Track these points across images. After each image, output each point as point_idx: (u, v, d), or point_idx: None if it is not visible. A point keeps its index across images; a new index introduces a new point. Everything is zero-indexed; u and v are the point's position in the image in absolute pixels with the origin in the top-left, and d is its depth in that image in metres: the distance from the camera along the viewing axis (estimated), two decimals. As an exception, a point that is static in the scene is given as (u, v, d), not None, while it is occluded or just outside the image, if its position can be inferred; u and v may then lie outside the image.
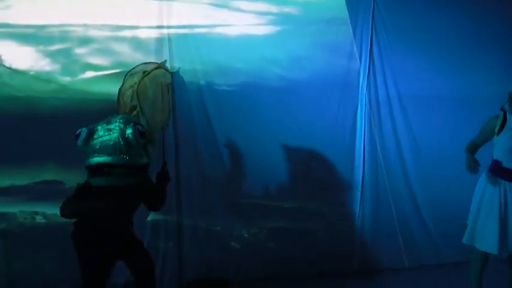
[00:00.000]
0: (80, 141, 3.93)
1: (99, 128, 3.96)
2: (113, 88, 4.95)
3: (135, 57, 5.08)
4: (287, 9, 5.49)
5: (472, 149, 4.51)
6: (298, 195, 5.50)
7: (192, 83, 5.23)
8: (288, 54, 5.39)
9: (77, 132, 3.96)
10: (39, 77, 4.94)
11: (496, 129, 4.30)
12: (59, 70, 4.99)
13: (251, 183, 5.37)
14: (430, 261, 5.71)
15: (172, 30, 5.20)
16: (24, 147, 4.88)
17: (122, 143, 3.87)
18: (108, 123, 3.99)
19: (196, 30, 5.27)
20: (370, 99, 5.58)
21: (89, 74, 5.06)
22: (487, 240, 4.29)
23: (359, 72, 5.55)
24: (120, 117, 4.07)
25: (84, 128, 3.96)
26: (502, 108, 4.36)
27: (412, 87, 5.64)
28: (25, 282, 4.97)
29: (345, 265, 5.56)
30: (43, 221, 4.98)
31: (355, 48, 5.54)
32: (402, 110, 5.64)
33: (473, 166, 4.34)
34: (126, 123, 3.96)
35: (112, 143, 3.88)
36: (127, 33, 5.14)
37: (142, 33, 5.17)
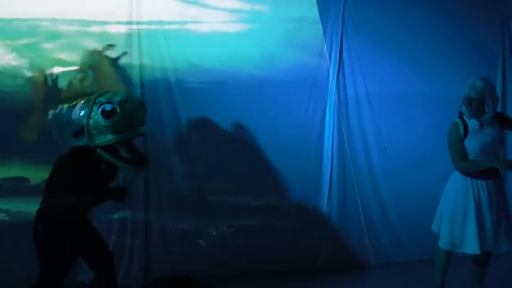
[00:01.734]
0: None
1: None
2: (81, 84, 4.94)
3: (104, 53, 5.06)
4: (258, 7, 5.50)
5: (467, 160, 4.43)
6: (266, 193, 5.52)
7: (161, 80, 5.21)
8: (259, 52, 5.39)
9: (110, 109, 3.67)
10: (6, 72, 4.88)
11: (461, 135, 4.36)
12: (26, 65, 4.93)
13: (220, 181, 5.36)
14: (396, 259, 5.76)
15: (142, 26, 5.17)
16: (-12, 143, 4.83)
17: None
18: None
19: (167, 27, 5.25)
20: (339, 97, 5.60)
21: (57, 69, 5.01)
22: (467, 241, 4.34)
23: (329, 71, 5.58)
24: None
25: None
26: (460, 114, 4.42)
27: (381, 86, 5.68)
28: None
29: (311, 263, 5.58)
30: (6, 218, 4.90)
31: (325, 47, 5.56)
32: (371, 109, 5.67)
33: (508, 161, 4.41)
34: None
35: None
36: (96, 28, 5.10)
37: (112, 29, 5.13)
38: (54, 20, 5.00)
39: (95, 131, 3.64)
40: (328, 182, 5.62)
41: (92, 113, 3.63)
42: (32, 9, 4.94)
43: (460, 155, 4.37)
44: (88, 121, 3.63)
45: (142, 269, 5.19)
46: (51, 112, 3.73)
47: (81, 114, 3.76)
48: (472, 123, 4.35)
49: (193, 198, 5.35)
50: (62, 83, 4.95)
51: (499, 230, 4.38)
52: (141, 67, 5.15)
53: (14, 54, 4.90)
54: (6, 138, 4.83)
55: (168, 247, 5.30)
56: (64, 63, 5.00)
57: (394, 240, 5.79)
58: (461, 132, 4.36)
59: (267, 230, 5.51)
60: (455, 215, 4.38)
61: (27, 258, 4.71)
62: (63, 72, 5.01)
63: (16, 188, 4.85)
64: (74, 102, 3.75)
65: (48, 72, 4.95)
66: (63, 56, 5.01)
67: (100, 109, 3.63)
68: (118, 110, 3.62)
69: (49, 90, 4.92)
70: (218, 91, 5.31)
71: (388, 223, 5.78)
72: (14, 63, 4.90)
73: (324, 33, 5.55)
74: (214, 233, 5.42)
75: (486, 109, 4.29)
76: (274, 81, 5.41)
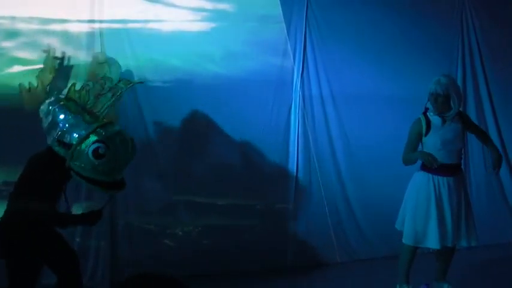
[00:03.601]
0: None
1: None
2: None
3: (65, 52, 4.96)
4: (221, 6, 5.50)
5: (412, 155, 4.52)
6: (232, 192, 5.49)
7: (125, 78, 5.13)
8: (223, 51, 5.39)
9: None
10: (-38, 71, 4.76)
11: (424, 131, 4.42)
12: (-16, 64, 4.81)
13: (185, 181, 5.33)
14: (362, 256, 5.81)
15: (104, 25, 5.09)
16: None
17: None
18: None
19: (130, 25, 5.20)
20: (304, 97, 5.64)
21: (16, 68, 4.89)
22: (428, 236, 4.40)
23: (293, 70, 5.61)
24: None
25: None
26: (425, 110, 4.48)
27: (345, 85, 5.74)
28: None
29: (278, 261, 5.58)
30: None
31: (289, 46, 5.59)
32: (335, 108, 5.73)
33: (431, 156, 4.33)
34: None
35: None
36: (56, 26, 5.01)
37: (73, 27, 5.04)
38: (12, 17, 4.89)
39: (78, 156, 3.56)
40: (294, 181, 5.63)
41: (87, 140, 3.55)
42: (-10, 7, 4.82)
43: (408, 149, 4.47)
44: (79, 144, 3.54)
45: (108, 271, 5.09)
46: (47, 102, 3.69)
47: (74, 130, 3.65)
48: (435, 119, 4.43)
49: (159, 198, 5.28)
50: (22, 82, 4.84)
51: (460, 226, 4.46)
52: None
53: (-29, 53, 4.78)
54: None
55: (134, 248, 5.22)
56: (23, 62, 4.89)
57: (360, 237, 5.85)
58: (424, 128, 4.43)
59: (233, 229, 5.50)
60: (417, 210, 4.44)
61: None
62: (22, 71, 4.90)
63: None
64: (73, 109, 3.68)
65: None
66: (22, 54, 4.90)
67: (93, 146, 3.54)
68: (110, 155, 3.53)
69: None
70: (182, 90, 5.28)
71: (354, 221, 5.83)
72: (-29, 62, 4.78)
73: (288, 33, 5.58)
74: (180, 233, 5.37)
75: (452, 105, 4.38)
76: (238, 80, 5.41)
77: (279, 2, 5.51)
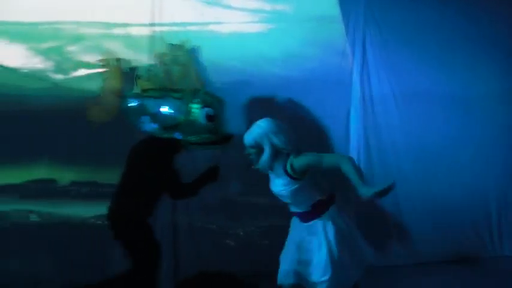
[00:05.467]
0: None
1: None
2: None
3: (128, 55, 5.07)
4: (279, 7, 5.50)
5: None
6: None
7: (185, 81, 5.22)
8: (281, 52, 5.40)
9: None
10: (32, 75, 4.92)
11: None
12: (51, 68, 4.97)
13: (246, 181, 5.32)
14: (423, 258, 5.67)
15: (164, 28, 5.18)
16: (17, 145, 4.85)
17: None
18: None
19: (189, 28, 5.26)
20: (364, 97, 5.59)
21: (82, 71, 5.04)
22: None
23: (352, 70, 5.57)
24: None
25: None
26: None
27: (406, 83, 5.66)
28: (18, 281, 4.90)
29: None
30: (37, 219, 4.93)
31: (348, 46, 5.55)
32: (397, 108, 5.65)
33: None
34: None
35: None
36: (119, 30, 5.13)
37: (134, 31, 5.15)
38: (77, 23, 5.04)
39: (190, 129, 3.71)
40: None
41: (192, 112, 3.71)
42: (56, 13, 4.98)
43: None
44: (187, 119, 3.75)
45: (171, 269, 5.17)
46: (129, 100, 3.84)
47: (172, 110, 3.81)
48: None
49: (220, 198, 5.32)
50: (88, 86, 4.99)
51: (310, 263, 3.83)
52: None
53: (40, 57, 4.94)
54: (33, 141, 4.86)
55: (196, 247, 5.30)
56: (88, 66, 5.03)
57: (423, 240, 5.71)
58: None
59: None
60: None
61: (56, 260, 4.81)
62: (87, 75, 5.04)
63: (44, 189, 4.88)
64: (158, 94, 3.83)
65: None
66: (87, 58, 5.04)
67: (203, 111, 3.82)
68: (218, 114, 3.89)
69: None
70: (240, 91, 5.29)
71: (417, 223, 5.70)
72: (40, 66, 4.94)
73: (346, 32, 5.55)
74: (242, 233, 5.40)
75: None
76: (297, 81, 5.39)
77: (337, 2, 5.49)
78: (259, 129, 3.70)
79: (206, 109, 3.86)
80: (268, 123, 3.71)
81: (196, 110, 3.79)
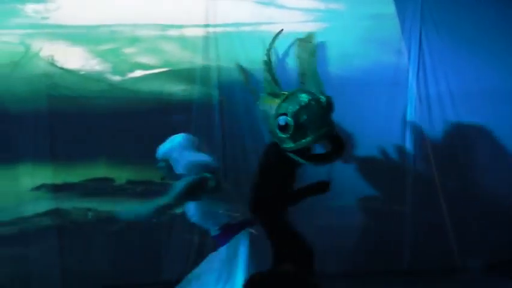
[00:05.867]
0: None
1: None
2: (161, 87, 5.03)
3: (183, 56, 5.14)
4: (333, 6, 5.46)
5: None
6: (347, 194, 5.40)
7: (238, 81, 5.22)
8: (336, 50, 5.35)
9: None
10: (90, 76, 5.04)
11: None
12: (108, 69, 5.08)
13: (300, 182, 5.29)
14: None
15: (218, 29, 5.22)
16: (76, 145, 5.00)
17: None
18: None
19: (242, 28, 5.28)
20: (420, 96, 5.48)
21: (138, 73, 5.13)
22: None
23: (408, 69, 5.47)
24: None
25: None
26: None
27: (463, 83, 5.52)
28: (77, 277, 5.04)
29: (394, 263, 5.48)
30: (94, 217, 5.03)
31: (404, 44, 5.45)
32: (454, 107, 5.50)
33: None
34: None
35: None
36: (174, 32, 5.21)
37: (189, 32, 5.22)
38: (134, 25, 5.14)
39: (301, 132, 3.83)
40: (411, 182, 5.48)
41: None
42: (112, 16, 5.10)
43: None
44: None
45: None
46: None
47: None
48: None
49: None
50: (144, 87, 5.06)
51: None
52: (219, 69, 5.20)
53: (98, 59, 5.06)
54: (91, 141, 4.99)
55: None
56: (145, 67, 5.13)
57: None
58: None
59: (350, 230, 5.45)
60: None
61: (113, 257, 4.91)
62: (143, 76, 5.13)
63: (102, 188, 5.00)
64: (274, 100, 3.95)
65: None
66: (143, 60, 5.13)
67: (276, 121, 3.79)
68: (292, 123, 3.76)
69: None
70: (296, 91, 5.27)
71: (476, 224, 5.53)
72: (97, 68, 5.07)
73: (402, 30, 5.45)
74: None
75: None
76: (353, 79, 5.35)
77: (392, 0, 5.40)
78: (169, 144, 3.66)
79: (279, 118, 3.79)
80: (180, 139, 3.67)
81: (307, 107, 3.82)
